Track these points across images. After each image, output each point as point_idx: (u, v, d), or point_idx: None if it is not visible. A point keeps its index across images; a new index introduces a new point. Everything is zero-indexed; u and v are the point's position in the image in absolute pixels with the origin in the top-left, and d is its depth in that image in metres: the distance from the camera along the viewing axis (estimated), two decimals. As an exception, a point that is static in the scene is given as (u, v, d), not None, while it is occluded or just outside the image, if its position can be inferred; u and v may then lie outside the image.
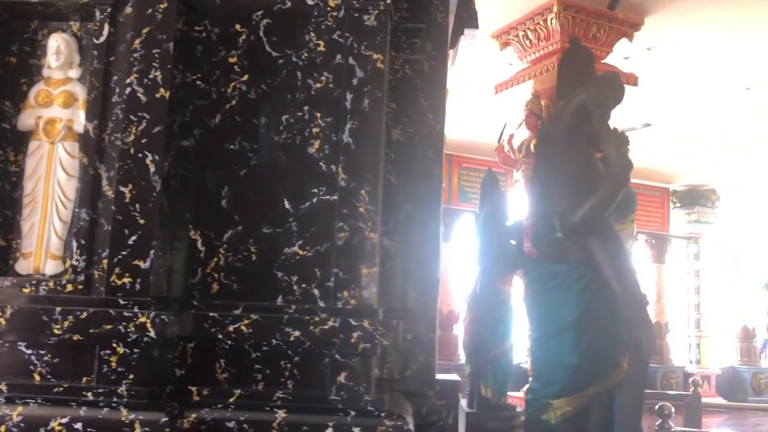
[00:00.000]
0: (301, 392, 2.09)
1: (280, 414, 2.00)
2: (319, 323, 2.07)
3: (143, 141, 2.10)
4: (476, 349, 4.90)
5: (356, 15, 2.25)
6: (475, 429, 4.41)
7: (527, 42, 6.22)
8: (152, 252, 2.06)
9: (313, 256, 2.19)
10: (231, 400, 2.05)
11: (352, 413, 2.02)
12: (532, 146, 5.93)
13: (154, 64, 2.14)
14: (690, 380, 4.44)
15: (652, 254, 11.99)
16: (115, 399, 1.95)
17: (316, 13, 2.30)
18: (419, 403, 2.67)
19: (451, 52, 4.75)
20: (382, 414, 2.04)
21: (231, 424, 1.96)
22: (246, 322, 2.08)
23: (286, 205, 2.22)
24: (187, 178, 2.22)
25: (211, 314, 2.09)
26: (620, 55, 6.40)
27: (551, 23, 5.88)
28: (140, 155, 2.10)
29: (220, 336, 2.07)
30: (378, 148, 2.21)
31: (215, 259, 2.20)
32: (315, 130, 2.25)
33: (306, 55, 2.28)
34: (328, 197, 2.20)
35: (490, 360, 4.78)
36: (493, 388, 4.77)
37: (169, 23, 2.15)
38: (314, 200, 2.21)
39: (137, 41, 2.15)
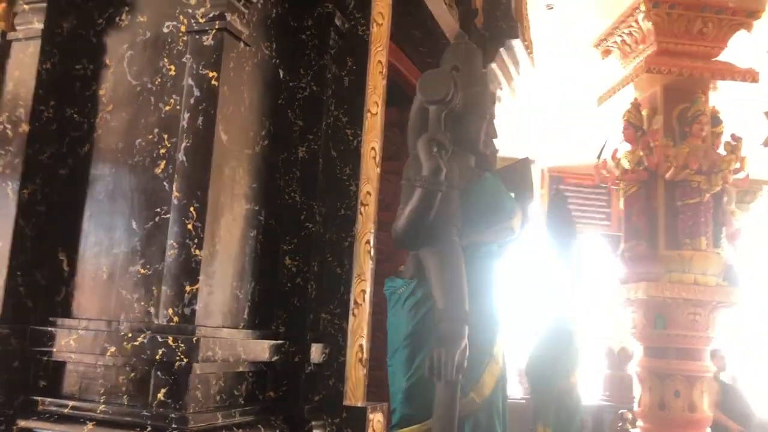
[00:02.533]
0: (120, 407, 2.12)
1: (88, 427, 2.05)
2: (131, 339, 2.10)
3: (7, 171, 2.33)
4: (537, 385, 4.46)
5: (197, 36, 2.29)
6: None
7: (627, 48, 5.66)
8: (5, 272, 2.25)
9: (152, 274, 2.23)
10: (50, 408, 2.15)
11: (148, 429, 2.00)
12: (625, 161, 5.36)
13: (20, 102, 2.37)
14: (620, 411, 3.60)
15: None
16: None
17: (169, 40, 2.38)
18: (328, 427, 2.54)
19: (494, 65, 4.54)
20: (186, 433, 2.00)
21: (43, 435, 2.06)
22: (74, 337, 2.18)
23: (134, 225, 2.30)
24: (59, 203, 2.40)
25: (50, 329, 2.23)
26: (738, 50, 5.53)
27: (643, 24, 5.30)
28: (3, 185, 2.32)
29: (50, 351, 2.20)
30: (208, 165, 2.20)
31: (75, 278, 2.34)
32: (162, 151, 2.31)
33: (159, 80, 2.37)
34: (167, 216, 2.24)
35: (554, 397, 4.31)
36: (554, 428, 4.29)
37: (33, 66, 2.37)
38: (156, 219, 2.27)
39: (11, 84, 2.40)
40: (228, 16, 2.27)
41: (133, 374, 2.17)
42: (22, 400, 2.23)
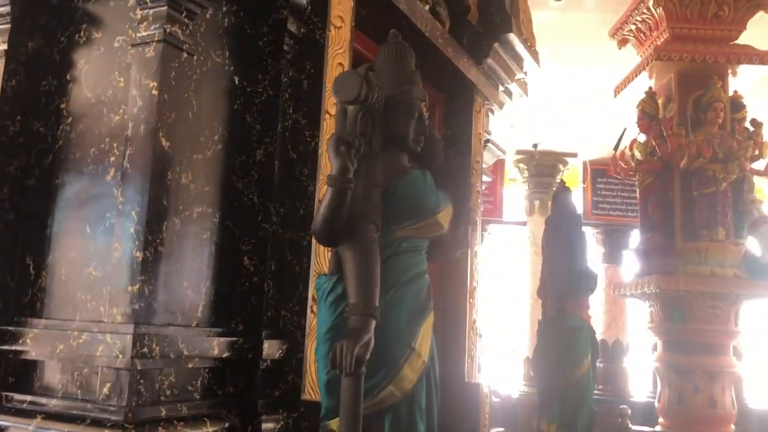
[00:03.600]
0: (72, 402, 2.26)
1: (36, 420, 2.20)
2: (76, 338, 2.23)
3: (-23, 183, 2.51)
4: (541, 380, 4.41)
5: (140, 49, 2.41)
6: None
7: (642, 35, 5.52)
8: (-26, 275, 2.43)
9: (102, 275, 2.36)
10: (12, 404, 2.31)
11: (87, 421, 2.13)
12: (637, 152, 5.24)
13: (-12, 118, 2.54)
14: (620, 407, 3.42)
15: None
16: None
17: (120, 54, 2.51)
18: (282, 421, 2.61)
19: (489, 60, 4.52)
20: (127, 426, 2.11)
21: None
22: (31, 335, 2.34)
23: (88, 230, 2.44)
24: (28, 211, 2.57)
25: (13, 329, 2.39)
26: (758, 32, 5.29)
27: (655, 10, 5.15)
28: (-27, 195, 2.50)
29: (15, 350, 2.36)
30: (148, 171, 2.31)
31: (40, 281, 2.50)
32: (112, 159, 2.44)
33: (111, 92, 2.50)
34: (114, 220, 2.36)
35: (558, 392, 4.25)
36: (558, 424, 4.22)
37: (-3, 84, 2.55)
38: (106, 224, 2.40)
39: (-19, 101, 2.58)
40: (168, 29, 2.37)
41: (85, 370, 2.31)
42: (-7, 394, 2.41)
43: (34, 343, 2.34)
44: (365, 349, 1.88)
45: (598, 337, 8.31)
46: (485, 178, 5.51)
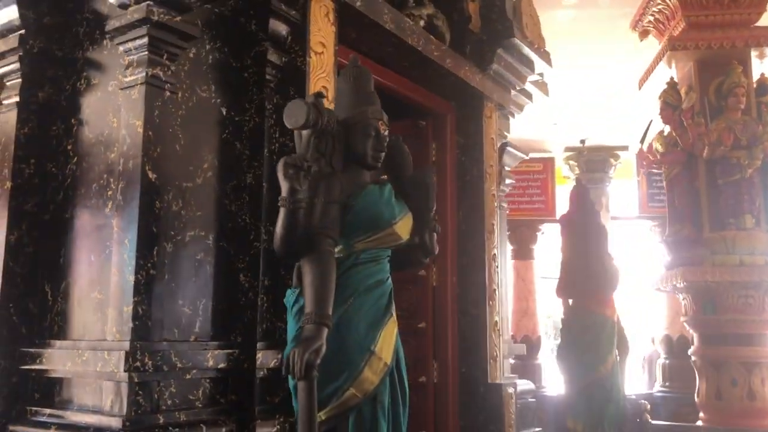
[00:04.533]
0: (83, 414, 2.53)
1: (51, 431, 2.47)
2: (83, 356, 2.50)
3: (-4, 222, 2.83)
4: (566, 379, 4.42)
5: (127, 92, 2.67)
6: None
7: (661, 26, 5.46)
8: (-5, 303, 2.74)
9: (104, 298, 2.62)
10: (35, 417, 2.60)
11: (91, 430, 2.39)
12: (658, 144, 5.19)
13: (5, 163, 2.86)
14: (640, 401, 3.27)
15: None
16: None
17: (113, 97, 2.78)
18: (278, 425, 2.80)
19: (495, 66, 4.61)
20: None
21: None
22: (50, 355, 2.63)
23: (92, 258, 2.71)
24: (45, 244, 2.86)
25: (35, 350, 2.68)
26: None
27: (669, 1, 5.10)
28: (-7, 233, 2.82)
29: (37, 369, 2.66)
30: (137, 201, 2.55)
31: (56, 305, 2.79)
32: (109, 193, 2.70)
33: (107, 132, 2.77)
34: (113, 248, 2.62)
35: (584, 389, 4.26)
36: (585, 422, 4.22)
37: (13, 132, 2.86)
38: (106, 251, 2.66)
39: (-2, 150, 2.90)
40: (149, 72, 2.62)
41: (93, 385, 2.57)
42: (18, 409, 2.70)
43: (52, 362, 2.62)
44: (315, 355, 2.05)
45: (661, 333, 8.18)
46: (509, 181, 5.58)
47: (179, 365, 2.56)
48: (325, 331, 2.10)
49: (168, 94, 2.71)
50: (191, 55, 2.86)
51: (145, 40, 2.62)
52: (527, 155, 5.73)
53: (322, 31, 3.19)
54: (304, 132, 2.27)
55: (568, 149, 10.37)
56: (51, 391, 2.71)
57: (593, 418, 4.24)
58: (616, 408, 4.22)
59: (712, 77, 4.98)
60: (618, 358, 4.38)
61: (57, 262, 2.82)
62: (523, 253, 10.47)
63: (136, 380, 2.44)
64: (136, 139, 2.61)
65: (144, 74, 2.62)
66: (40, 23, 2.92)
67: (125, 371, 2.38)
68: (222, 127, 2.97)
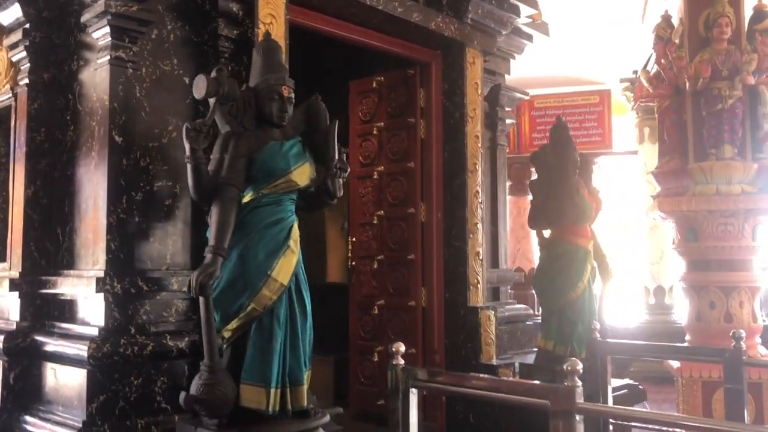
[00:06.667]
0: (82, 326, 3.30)
1: (61, 338, 3.26)
2: (82, 277, 3.25)
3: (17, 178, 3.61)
4: (540, 302, 4.79)
5: (96, 71, 3.32)
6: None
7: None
8: (21, 244, 3.53)
9: (92, 237, 3.35)
10: (53, 329, 3.40)
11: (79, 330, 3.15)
12: (644, 79, 5.30)
13: (21, 132, 3.61)
14: (731, 333, 3.35)
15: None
16: None
17: (94, 75, 3.44)
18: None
19: (471, 14, 4.90)
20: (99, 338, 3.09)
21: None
22: (62, 281, 3.41)
23: (84, 205, 3.43)
24: (56, 195, 3.63)
25: (50, 278, 3.48)
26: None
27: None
28: (16, 188, 3.60)
29: (52, 291, 3.46)
30: (105, 160, 3.23)
31: (65, 243, 3.56)
32: (93, 154, 3.40)
33: (89, 105, 3.45)
34: (94, 197, 3.33)
35: (555, 312, 4.62)
36: (556, 341, 4.59)
37: (23, 107, 3.59)
38: (92, 200, 3.37)
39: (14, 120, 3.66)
40: (113, 54, 3.26)
41: (89, 302, 3.31)
42: (40, 323, 3.51)
43: (64, 286, 3.39)
44: (209, 277, 2.66)
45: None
46: (509, 121, 5.88)
47: (145, 288, 3.25)
48: (220, 260, 2.70)
49: (131, 71, 3.34)
50: (153, 36, 3.46)
51: (107, 29, 3.25)
52: (527, 95, 5.97)
53: (271, 4, 3.68)
54: (211, 100, 2.83)
55: (623, 80, 10.25)
56: (63, 309, 3.50)
57: (563, 338, 4.61)
58: (585, 329, 4.55)
59: (701, 9, 5.00)
60: (589, 284, 4.69)
61: (63, 210, 3.58)
62: (579, 185, 10.54)
63: (110, 300, 3.16)
64: (105, 110, 3.28)
65: (108, 56, 3.26)
66: (40, 17, 3.61)
67: (97, 292, 3.10)
68: (185, 96, 3.57)
